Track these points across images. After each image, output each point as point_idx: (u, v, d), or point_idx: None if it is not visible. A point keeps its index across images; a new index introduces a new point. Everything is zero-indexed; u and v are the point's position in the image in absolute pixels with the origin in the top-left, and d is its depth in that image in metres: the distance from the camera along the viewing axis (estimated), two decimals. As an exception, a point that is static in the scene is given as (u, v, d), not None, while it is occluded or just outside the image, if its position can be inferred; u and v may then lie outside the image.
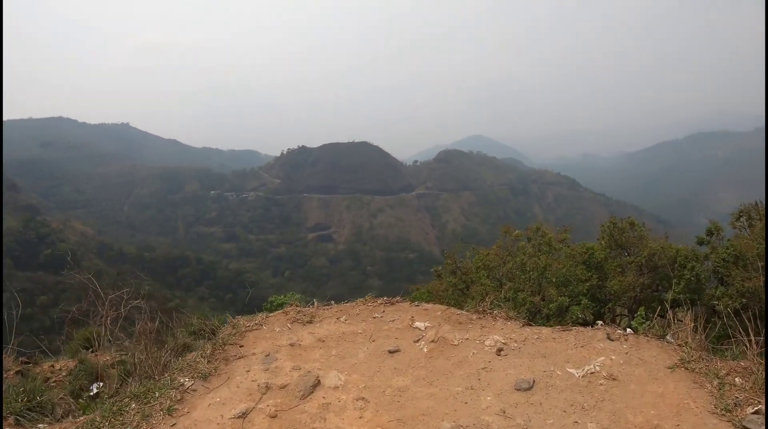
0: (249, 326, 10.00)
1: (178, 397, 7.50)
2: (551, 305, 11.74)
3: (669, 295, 13.33)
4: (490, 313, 9.32)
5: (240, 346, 9.23)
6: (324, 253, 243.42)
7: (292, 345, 9.12)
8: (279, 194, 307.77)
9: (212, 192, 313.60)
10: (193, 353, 9.30)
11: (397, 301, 10.54)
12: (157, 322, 10.98)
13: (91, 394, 10.66)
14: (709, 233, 16.12)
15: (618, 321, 15.27)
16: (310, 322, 10.09)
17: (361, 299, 10.99)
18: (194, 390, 7.79)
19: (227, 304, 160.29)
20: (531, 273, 12.79)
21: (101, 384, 10.97)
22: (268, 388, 7.68)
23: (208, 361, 8.58)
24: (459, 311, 9.62)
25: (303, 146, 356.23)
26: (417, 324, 9.26)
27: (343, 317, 10.15)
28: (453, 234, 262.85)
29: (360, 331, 9.46)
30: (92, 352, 13.75)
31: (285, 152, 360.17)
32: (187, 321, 11.72)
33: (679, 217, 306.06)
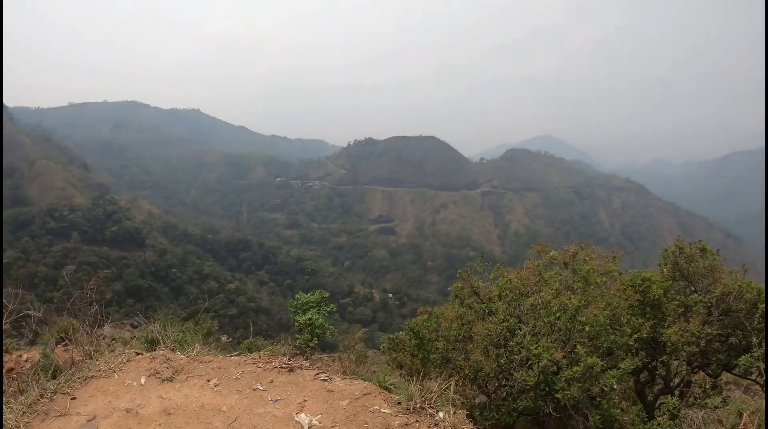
0: (99, 371, 7.93)
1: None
2: (576, 368, 8.68)
3: (742, 360, 10.32)
4: (432, 408, 6.50)
5: (71, 399, 7.24)
6: (385, 246, 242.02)
7: (128, 411, 6.85)
8: (343, 184, 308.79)
9: (278, 179, 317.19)
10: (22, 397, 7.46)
11: (299, 367, 7.85)
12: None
13: None
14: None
15: (671, 381, 12.13)
16: (171, 379, 7.60)
17: (259, 353, 8.71)
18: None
19: (285, 290, 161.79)
20: (556, 316, 9.72)
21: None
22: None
23: (23, 413, 6.86)
24: (386, 396, 6.85)
25: (370, 138, 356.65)
26: (301, 416, 6.48)
27: (215, 380, 7.52)
28: (515, 235, 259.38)
29: (225, 408, 6.81)
30: (64, 345, 12.51)
31: (351, 143, 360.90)
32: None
33: (750, 234, 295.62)
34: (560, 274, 11.62)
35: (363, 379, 7.63)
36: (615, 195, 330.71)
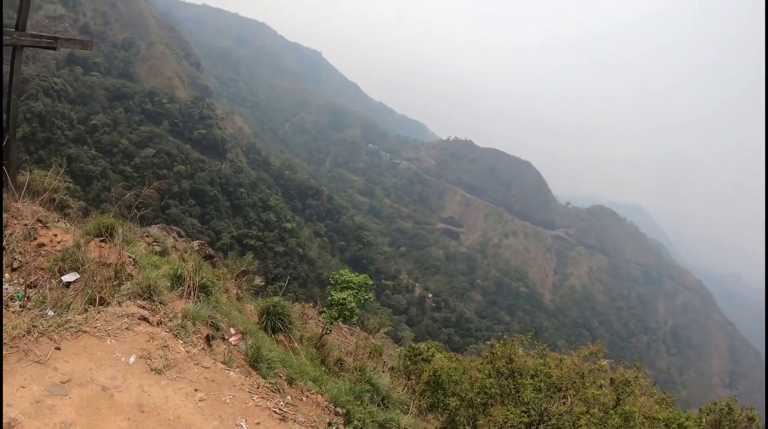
0: (95, 328, 7.54)
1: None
2: None
3: None
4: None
5: (56, 348, 6.90)
6: (444, 247, 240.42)
7: (104, 389, 6.45)
8: (428, 174, 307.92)
9: (369, 145, 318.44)
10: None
11: (293, 419, 7.31)
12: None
13: (64, 282, 10.05)
14: None
15: None
16: (159, 372, 7.12)
17: (264, 381, 8.18)
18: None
19: (336, 250, 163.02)
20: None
21: (77, 276, 10.19)
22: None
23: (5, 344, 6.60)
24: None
25: (469, 140, 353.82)
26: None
27: (202, 393, 7.06)
28: (570, 289, 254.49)
29: None
30: (102, 241, 12.43)
31: (451, 139, 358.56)
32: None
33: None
34: (602, 391, 10.93)
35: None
36: (681, 292, 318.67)
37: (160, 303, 9.34)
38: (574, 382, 10.99)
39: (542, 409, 10.32)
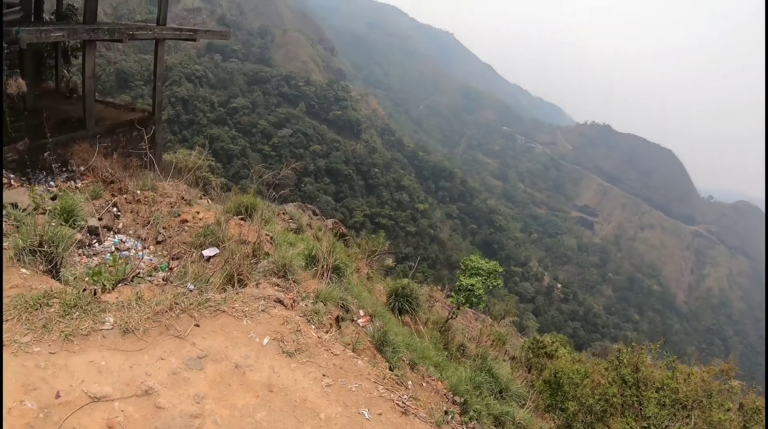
0: (233, 309, 7.95)
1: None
2: None
3: None
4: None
5: (195, 325, 7.37)
6: (577, 237, 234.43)
7: (237, 367, 6.82)
8: (564, 160, 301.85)
9: (504, 128, 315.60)
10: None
11: (415, 413, 7.29)
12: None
13: (204, 256, 10.74)
14: None
15: None
16: (291, 355, 7.43)
17: (390, 373, 8.37)
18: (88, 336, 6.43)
19: (467, 232, 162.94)
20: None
21: (217, 251, 10.88)
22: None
23: (146, 318, 7.10)
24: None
25: (608, 125, 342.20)
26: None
27: (329, 379, 7.25)
28: (707, 291, 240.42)
29: (323, 416, 6.51)
30: (241, 219, 13.23)
31: (588, 123, 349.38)
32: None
33: None
34: (729, 416, 10.36)
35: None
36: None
37: (294, 282, 9.72)
38: (701, 401, 10.52)
39: (664, 426, 9.96)
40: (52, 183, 13.87)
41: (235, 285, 9.00)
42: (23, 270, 7.64)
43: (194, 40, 22.55)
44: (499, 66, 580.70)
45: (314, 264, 11.37)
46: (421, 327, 15.09)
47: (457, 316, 19.09)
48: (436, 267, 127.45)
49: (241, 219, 12.99)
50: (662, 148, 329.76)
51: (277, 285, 9.24)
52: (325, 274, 10.94)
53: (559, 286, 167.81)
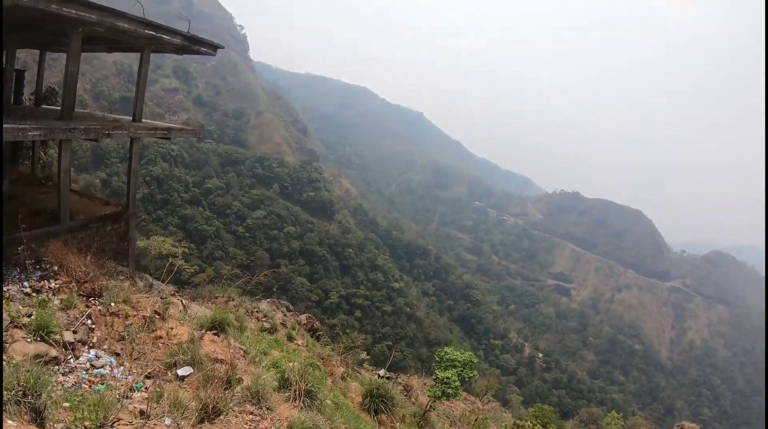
0: None
1: None
2: None
3: None
4: None
5: None
6: (554, 304, 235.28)
7: None
8: (536, 229, 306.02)
9: (476, 203, 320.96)
10: None
11: None
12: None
13: (179, 376, 10.74)
14: None
15: None
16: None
17: None
18: None
19: (444, 310, 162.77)
20: None
21: (191, 371, 10.90)
22: None
23: None
24: None
25: (576, 192, 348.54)
26: None
27: None
28: (689, 344, 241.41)
29: None
30: (214, 334, 13.31)
31: (557, 192, 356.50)
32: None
33: None
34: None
35: None
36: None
37: (268, 409, 9.88)
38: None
39: None
40: (26, 283, 13.94)
41: (211, 415, 9.13)
42: (10, 422, 7.71)
43: (169, 138, 23.13)
44: (468, 142, 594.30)
45: (287, 387, 11.50)
46: (397, 425, 15.25)
47: (435, 408, 19.25)
48: (414, 345, 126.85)
49: (215, 334, 13.17)
50: (631, 209, 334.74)
51: (252, 413, 9.42)
52: (299, 399, 11.09)
53: (540, 355, 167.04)
